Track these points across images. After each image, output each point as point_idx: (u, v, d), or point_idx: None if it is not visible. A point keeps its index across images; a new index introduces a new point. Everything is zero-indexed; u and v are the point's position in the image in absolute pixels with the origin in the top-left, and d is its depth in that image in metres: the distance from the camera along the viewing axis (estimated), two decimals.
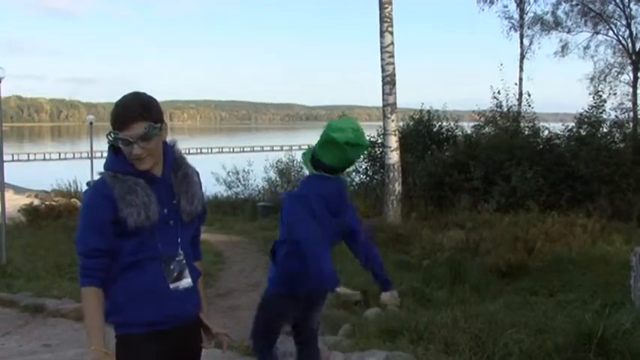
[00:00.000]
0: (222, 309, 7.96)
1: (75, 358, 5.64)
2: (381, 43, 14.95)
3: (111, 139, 2.43)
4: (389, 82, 14.97)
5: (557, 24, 27.19)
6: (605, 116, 17.15)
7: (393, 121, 15.04)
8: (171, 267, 2.55)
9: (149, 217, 2.45)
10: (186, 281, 2.59)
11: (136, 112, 2.40)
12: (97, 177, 2.56)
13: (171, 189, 2.57)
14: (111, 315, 2.53)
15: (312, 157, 3.83)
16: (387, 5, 14.87)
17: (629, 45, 25.83)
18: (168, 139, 2.61)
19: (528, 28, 27.25)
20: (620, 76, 27.51)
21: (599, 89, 18.57)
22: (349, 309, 8.02)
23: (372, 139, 19.63)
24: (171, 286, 2.54)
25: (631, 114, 22.52)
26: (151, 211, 2.45)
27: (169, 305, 2.53)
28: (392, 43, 14.96)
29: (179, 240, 2.59)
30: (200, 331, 2.73)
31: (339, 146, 3.66)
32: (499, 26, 55.40)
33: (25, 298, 7.88)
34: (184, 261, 2.59)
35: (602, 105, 16.99)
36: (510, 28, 27.43)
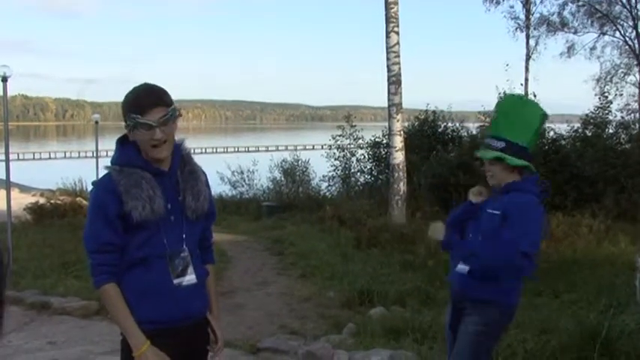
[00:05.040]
0: (228, 307, 7.96)
1: (80, 356, 5.66)
2: (387, 43, 14.96)
3: (130, 123, 2.44)
4: (394, 82, 14.97)
5: (563, 24, 27.19)
6: (611, 117, 17.16)
7: (398, 121, 15.05)
8: (176, 262, 2.55)
9: (154, 211, 2.45)
10: (190, 277, 2.58)
11: (158, 98, 2.47)
12: (103, 171, 2.55)
13: (177, 185, 2.58)
14: None
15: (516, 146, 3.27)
16: (392, 5, 14.87)
17: (636, 46, 25.82)
18: (177, 137, 2.62)
19: (534, 28, 27.29)
20: (626, 77, 27.56)
21: (605, 90, 18.57)
22: (354, 308, 8.02)
23: (377, 140, 19.69)
24: (175, 281, 2.53)
25: (637, 115, 22.52)
26: (155, 204, 2.45)
27: (174, 302, 2.52)
28: (398, 43, 14.97)
29: (184, 236, 2.58)
30: (207, 331, 2.73)
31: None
32: (505, 27, 55.33)
33: (31, 295, 7.89)
34: (189, 258, 2.58)
35: (608, 106, 17.00)
36: (516, 29, 27.50)
